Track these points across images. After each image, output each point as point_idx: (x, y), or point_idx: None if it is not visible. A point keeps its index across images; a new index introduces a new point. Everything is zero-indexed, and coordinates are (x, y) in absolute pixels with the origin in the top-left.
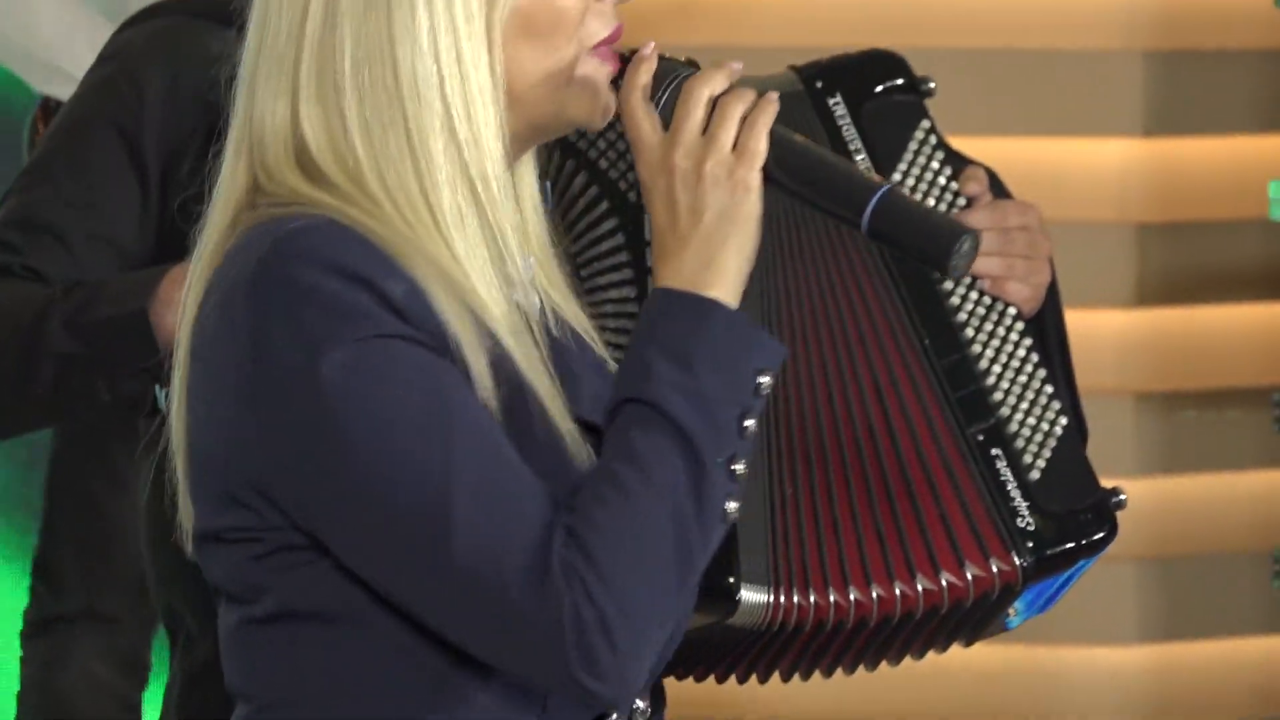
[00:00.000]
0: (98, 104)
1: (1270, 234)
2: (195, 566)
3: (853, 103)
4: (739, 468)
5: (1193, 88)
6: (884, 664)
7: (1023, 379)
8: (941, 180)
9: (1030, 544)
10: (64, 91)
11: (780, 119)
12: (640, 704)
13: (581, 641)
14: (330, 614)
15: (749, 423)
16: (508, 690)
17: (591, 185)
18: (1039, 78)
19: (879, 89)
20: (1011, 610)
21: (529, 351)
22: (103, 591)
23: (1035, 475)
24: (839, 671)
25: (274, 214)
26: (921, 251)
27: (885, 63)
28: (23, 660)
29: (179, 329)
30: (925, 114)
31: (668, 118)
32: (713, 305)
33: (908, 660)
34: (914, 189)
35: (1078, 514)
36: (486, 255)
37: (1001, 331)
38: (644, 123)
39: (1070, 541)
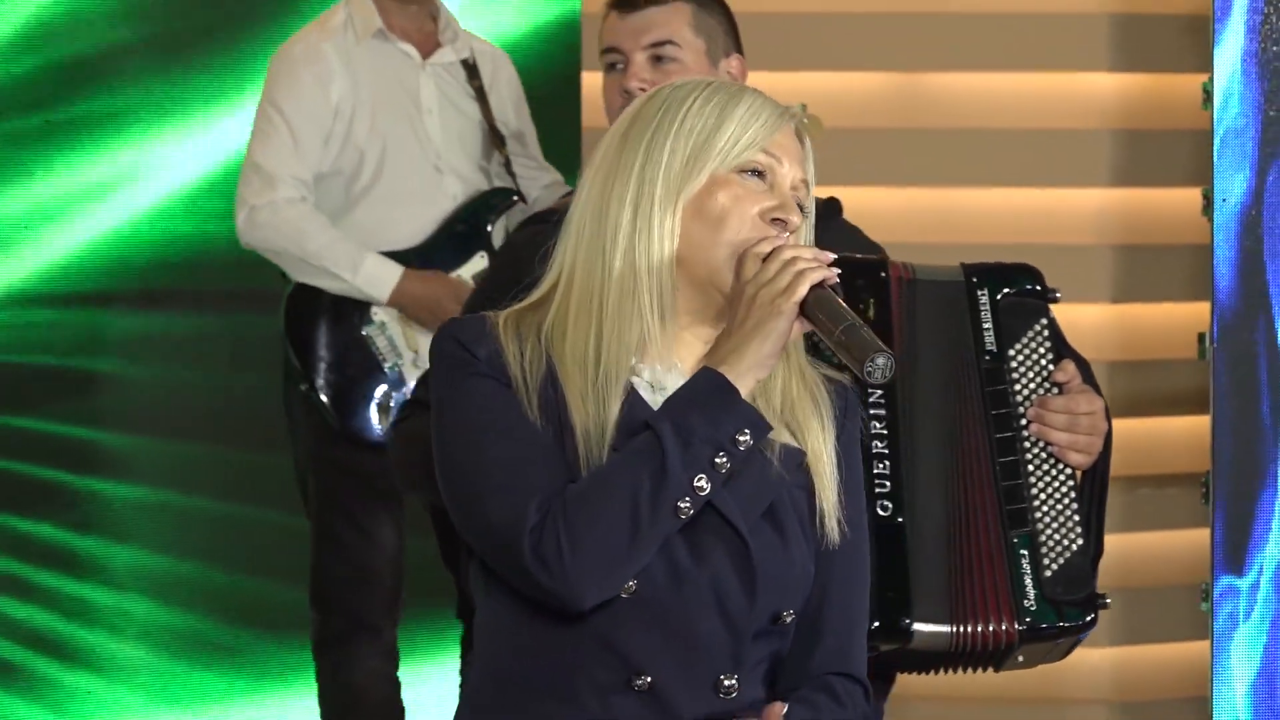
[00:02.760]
0: (493, 283)
1: (1198, 370)
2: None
3: (994, 295)
4: (702, 485)
5: (1145, 270)
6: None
7: (1059, 508)
8: (1042, 363)
9: (1028, 619)
10: (321, 282)
11: (940, 301)
12: (728, 681)
13: (539, 549)
14: (475, 597)
15: (721, 459)
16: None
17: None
18: None
19: (1015, 290)
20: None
21: (591, 407)
22: (366, 610)
23: (1048, 573)
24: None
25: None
26: (851, 355)
27: (1027, 272)
28: (317, 670)
29: None
30: (1047, 314)
31: None
32: (717, 377)
33: None
34: (1021, 364)
35: (1073, 603)
36: (617, 338)
37: (1053, 473)
38: (749, 267)
39: (1061, 622)
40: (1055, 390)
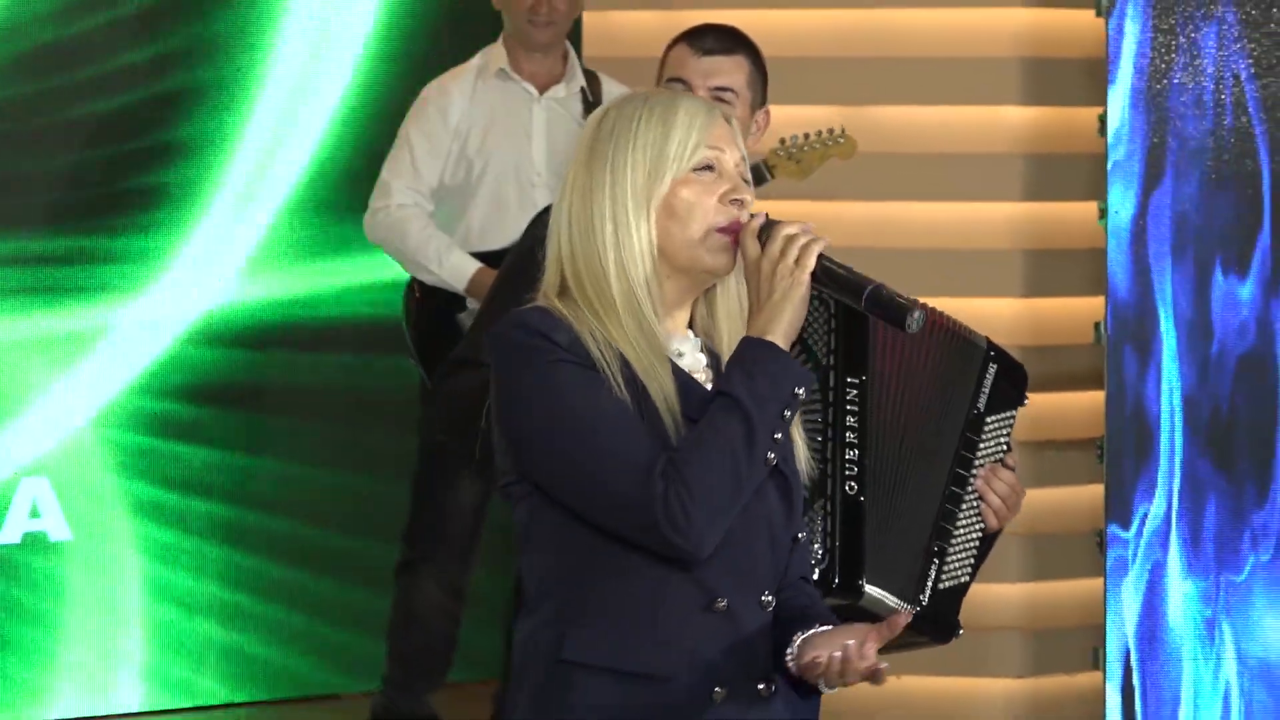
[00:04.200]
0: (518, 263)
1: (1095, 353)
2: None
3: (997, 373)
4: (779, 437)
5: (1050, 270)
6: None
7: (966, 546)
8: (1003, 439)
9: (919, 609)
10: (418, 274)
11: (959, 360)
12: (767, 596)
13: (668, 512)
14: (539, 541)
15: (787, 413)
16: (632, 582)
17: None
18: (943, 276)
19: (1009, 379)
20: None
21: (657, 377)
22: (438, 548)
23: (941, 586)
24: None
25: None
26: (889, 317)
27: (1022, 374)
28: (395, 592)
29: None
30: (1016, 409)
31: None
32: (769, 345)
33: None
34: (991, 433)
35: (947, 619)
36: (637, 326)
37: (974, 520)
38: (751, 247)
39: (929, 623)
40: (1005, 464)
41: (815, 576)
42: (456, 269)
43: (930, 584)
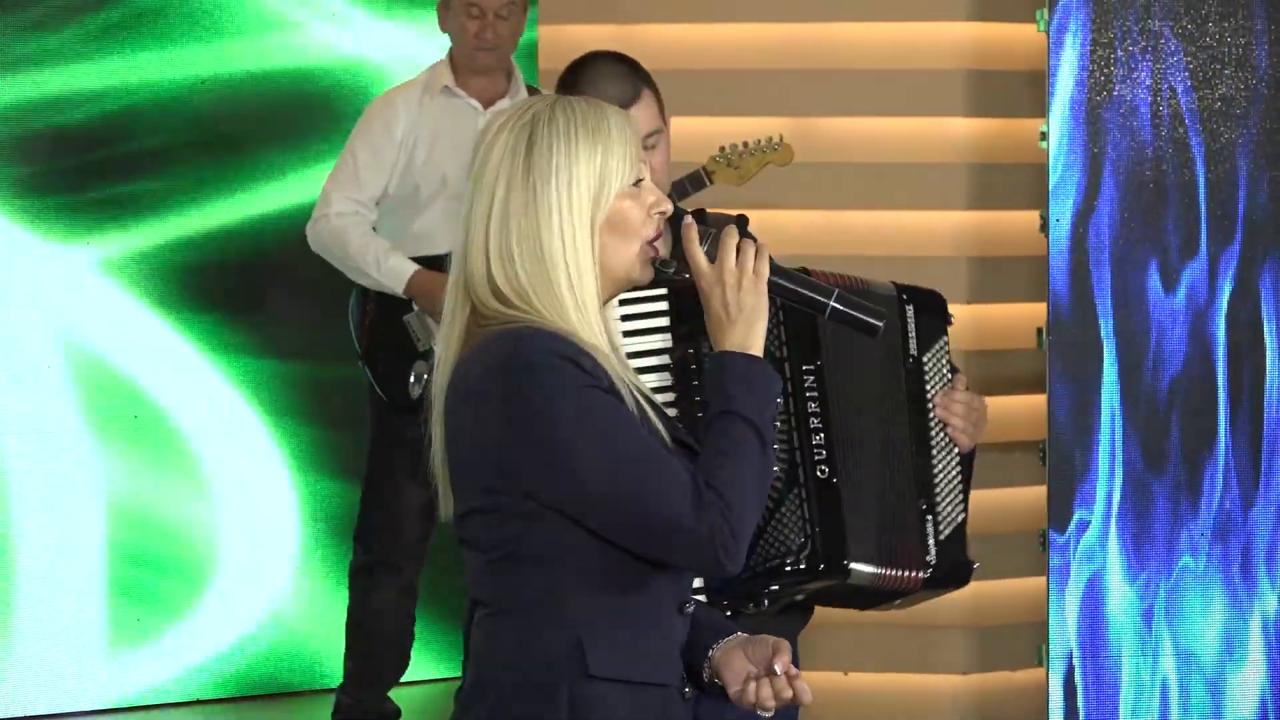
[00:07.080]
0: None
1: (1037, 358)
2: None
3: (917, 312)
4: (776, 445)
5: (994, 277)
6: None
7: (951, 485)
8: (945, 368)
9: (929, 570)
10: (359, 279)
11: (874, 311)
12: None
13: (722, 542)
14: (534, 555)
15: (778, 422)
16: (624, 594)
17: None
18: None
19: (933, 309)
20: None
21: (634, 392)
22: (393, 550)
23: (942, 537)
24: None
25: (500, 329)
26: (865, 326)
27: (939, 300)
28: (350, 593)
29: (435, 398)
30: (946, 332)
31: (712, 255)
32: (755, 359)
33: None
34: (932, 368)
35: (958, 565)
36: (601, 342)
37: (948, 454)
38: (699, 258)
39: (945, 576)
40: (953, 386)
41: (802, 565)
42: (394, 271)
43: (933, 541)
